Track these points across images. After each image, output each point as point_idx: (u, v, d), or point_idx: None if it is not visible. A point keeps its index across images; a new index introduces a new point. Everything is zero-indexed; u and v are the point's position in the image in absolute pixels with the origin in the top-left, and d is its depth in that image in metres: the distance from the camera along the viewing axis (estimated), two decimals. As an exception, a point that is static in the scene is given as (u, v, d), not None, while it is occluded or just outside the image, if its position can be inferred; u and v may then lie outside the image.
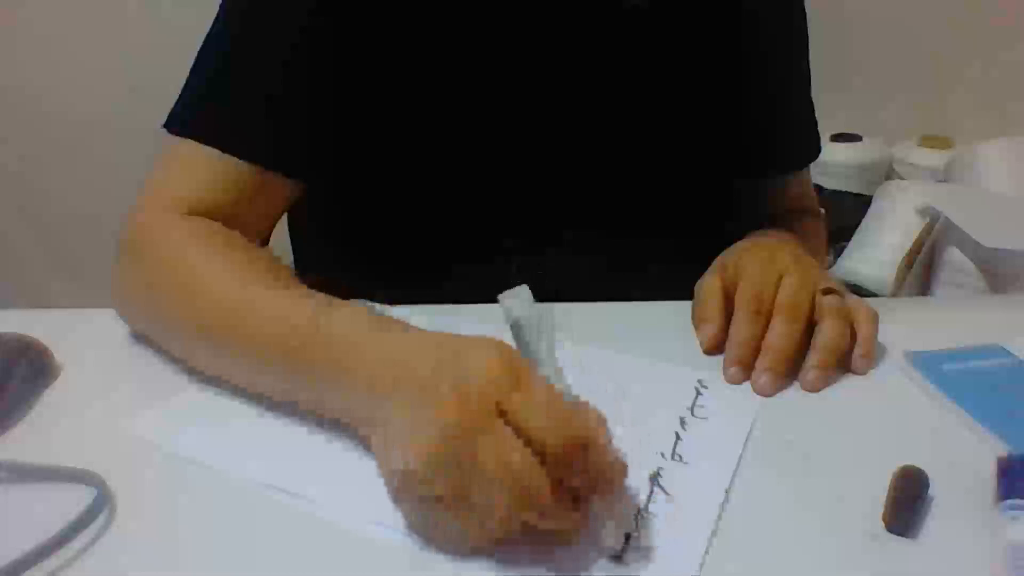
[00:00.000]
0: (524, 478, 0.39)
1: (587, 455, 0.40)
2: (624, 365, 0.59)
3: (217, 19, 0.65)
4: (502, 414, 0.40)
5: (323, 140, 0.66)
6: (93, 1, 1.72)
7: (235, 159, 0.62)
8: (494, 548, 0.42)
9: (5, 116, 1.77)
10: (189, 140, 0.63)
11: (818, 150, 0.87)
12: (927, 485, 0.47)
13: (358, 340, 0.48)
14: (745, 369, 0.58)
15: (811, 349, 0.59)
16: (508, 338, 0.45)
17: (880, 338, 0.61)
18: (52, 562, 0.41)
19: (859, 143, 1.90)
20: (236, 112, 0.63)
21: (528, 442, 0.39)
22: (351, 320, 0.50)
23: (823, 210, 0.97)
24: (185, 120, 0.64)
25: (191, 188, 0.62)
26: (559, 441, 0.39)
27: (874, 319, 0.61)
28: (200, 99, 0.65)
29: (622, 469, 0.42)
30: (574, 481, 0.40)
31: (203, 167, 0.62)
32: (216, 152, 0.62)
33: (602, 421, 0.43)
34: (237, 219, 0.62)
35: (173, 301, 0.58)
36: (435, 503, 0.41)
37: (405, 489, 0.42)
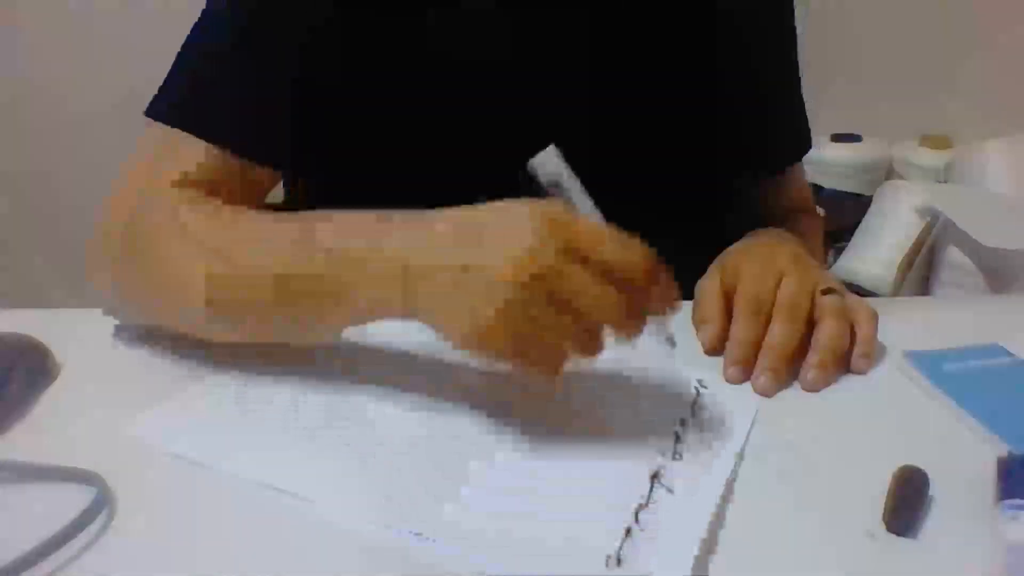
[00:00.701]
0: (610, 299, 0.46)
1: (655, 270, 0.47)
2: (624, 365, 0.59)
3: (202, 16, 0.66)
4: (574, 255, 0.45)
5: (300, 129, 0.66)
6: (93, 1, 1.72)
7: (211, 145, 0.63)
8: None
9: (5, 116, 1.77)
10: (167, 127, 0.63)
11: (809, 144, 0.88)
12: (927, 485, 0.47)
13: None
14: (745, 369, 0.58)
15: (811, 349, 0.58)
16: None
17: (880, 338, 0.61)
18: (52, 562, 0.41)
19: (859, 143, 1.90)
20: (212, 100, 0.64)
21: (607, 272, 0.46)
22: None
23: (822, 210, 0.97)
24: (166, 108, 0.64)
25: (177, 173, 0.62)
26: (633, 261, 0.46)
27: (874, 319, 0.61)
28: (182, 88, 0.65)
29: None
30: (643, 295, 0.47)
31: (189, 154, 0.63)
32: (191, 138, 0.63)
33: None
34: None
35: (178, 272, 0.57)
36: (522, 344, 0.46)
37: (507, 318, 0.45)
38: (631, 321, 0.47)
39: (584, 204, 0.50)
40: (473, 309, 0.46)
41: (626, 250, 0.46)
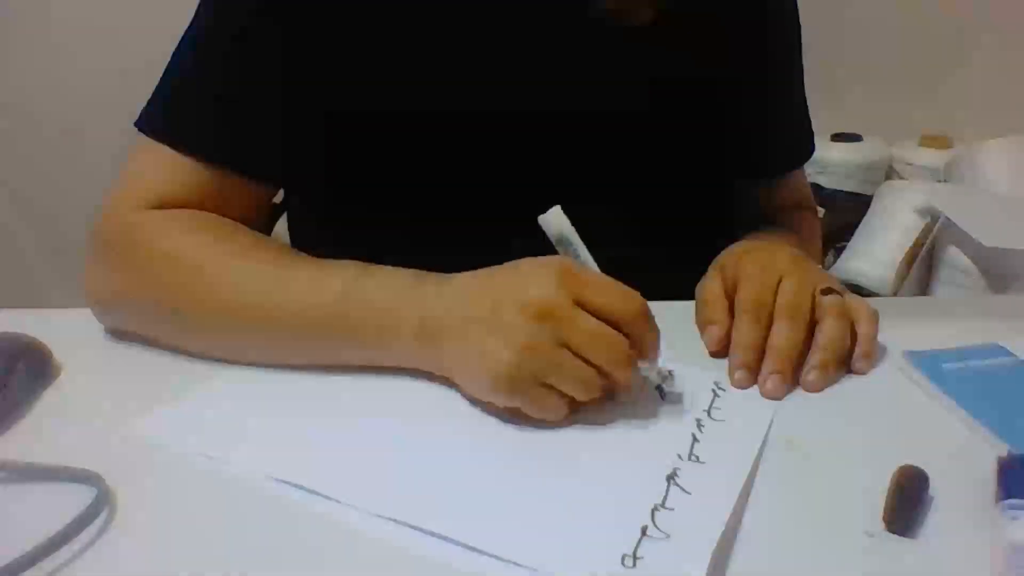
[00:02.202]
0: (614, 343, 0.51)
1: (649, 317, 0.52)
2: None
3: (190, 24, 0.66)
4: (580, 303, 0.50)
5: (290, 143, 0.66)
6: (93, 2, 1.72)
7: (198, 161, 0.62)
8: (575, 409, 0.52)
9: (5, 116, 1.77)
10: (155, 141, 0.63)
11: (812, 148, 0.88)
12: (927, 485, 0.47)
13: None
14: (751, 373, 0.57)
15: (812, 350, 0.58)
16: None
17: (880, 338, 0.61)
18: (52, 562, 0.41)
19: (859, 143, 1.90)
20: (200, 115, 0.64)
21: (608, 318, 0.51)
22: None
23: (822, 210, 0.97)
24: (153, 121, 0.64)
25: (164, 186, 0.63)
26: (633, 311, 0.51)
27: (874, 319, 0.61)
28: (167, 101, 0.65)
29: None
30: (640, 340, 0.52)
31: (175, 167, 0.63)
32: (179, 154, 0.62)
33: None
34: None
35: (181, 291, 0.58)
36: (534, 385, 0.50)
37: (523, 360, 0.49)
38: (625, 364, 0.52)
39: (587, 258, 0.55)
40: (493, 354, 0.50)
41: (625, 299, 0.52)
